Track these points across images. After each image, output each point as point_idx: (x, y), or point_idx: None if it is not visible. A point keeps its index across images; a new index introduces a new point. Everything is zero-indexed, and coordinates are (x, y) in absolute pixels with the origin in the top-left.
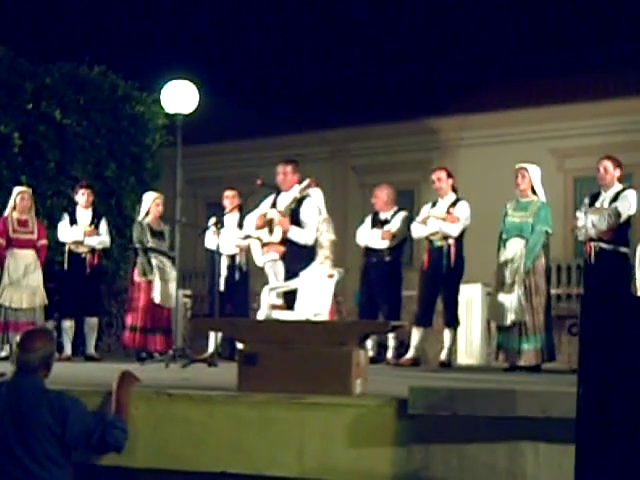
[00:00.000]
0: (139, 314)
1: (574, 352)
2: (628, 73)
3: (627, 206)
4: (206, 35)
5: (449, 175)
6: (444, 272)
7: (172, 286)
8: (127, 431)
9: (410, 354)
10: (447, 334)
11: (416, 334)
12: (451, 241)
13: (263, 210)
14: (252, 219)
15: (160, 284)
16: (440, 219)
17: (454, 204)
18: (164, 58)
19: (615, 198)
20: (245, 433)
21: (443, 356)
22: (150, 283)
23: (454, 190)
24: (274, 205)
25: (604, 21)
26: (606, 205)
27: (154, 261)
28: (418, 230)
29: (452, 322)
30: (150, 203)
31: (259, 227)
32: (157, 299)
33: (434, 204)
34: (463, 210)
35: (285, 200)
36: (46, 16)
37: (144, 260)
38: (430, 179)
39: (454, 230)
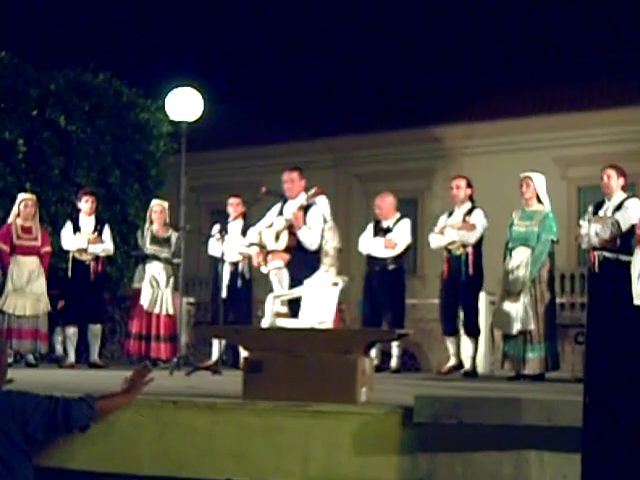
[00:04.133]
0: (136, 321)
1: (578, 361)
2: (633, 82)
3: (629, 215)
4: (210, 43)
5: (469, 184)
6: (463, 281)
7: (167, 292)
8: (94, 409)
9: (451, 362)
10: (469, 344)
11: (449, 343)
12: (469, 249)
13: (269, 219)
14: (257, 229)
15: (150, 290)
16: (456, 228)
17: (470, 212)
18: (169, 65)
19: (619, 207)
20: (250, 441)
21: (467, 365)
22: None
23: (471, 199)
24: (281, 213)
25: (609, 30)
26: (609, 214)
27: (148, 267)
28: (436, 240)
29: (474, 331)
30: (149, 211)
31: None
32: (145, 305)
33: (450, 214)
34: (479, 218)
35: (292, 208)
36: (51, 23)
37: (141, 267)
38: (438, 186)
39: (471, 238)
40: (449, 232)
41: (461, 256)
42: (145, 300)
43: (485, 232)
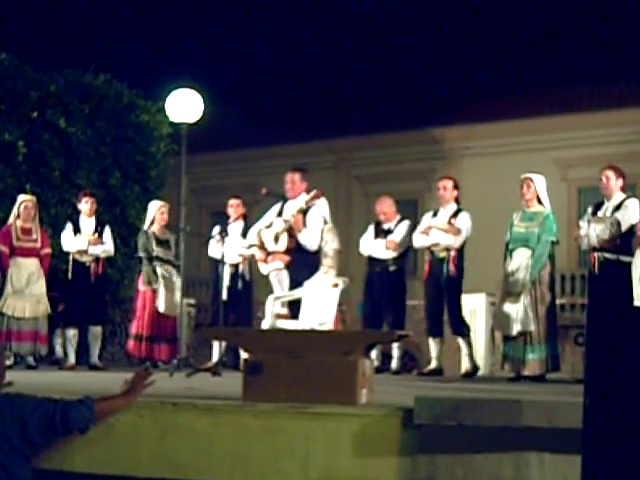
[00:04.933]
0: (144, 323)
1: (578, 362)
2: (633, 83)
3: (628, 215)
4: (211, 44)
5: (455, 186)
6: (444, 282)
7: (177, 295)
8: (93, 411)
9: (432, 365)
10: (461, 343)
11: (433, 345)
12: (453, 252)
13: (269, 220)
14: (256, 229)
15: (165, 293)
16: (442, 230)
17: (455, 215)
18: (169, 67)
19: (618, 207)
20: (250, 443)
21: (466, 365)
22: (155, 292)
23: (457, 201)
24: (280, 214)
25: (609, 31)
26: (609, 214)
27: (159, 270)
28: (419, 240)
29: (461, 330)
30: (155, 212)
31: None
32: (161, 308)
33: (435, 213)
34: (464, 221)
35: (292, 209)
36: (51, 24)
37: (149, 269)
38: (435, 187)
39: (455, 242)
40: (435, 234)
41: (444, 258)
42: (161, 303)
43: (470, 235)
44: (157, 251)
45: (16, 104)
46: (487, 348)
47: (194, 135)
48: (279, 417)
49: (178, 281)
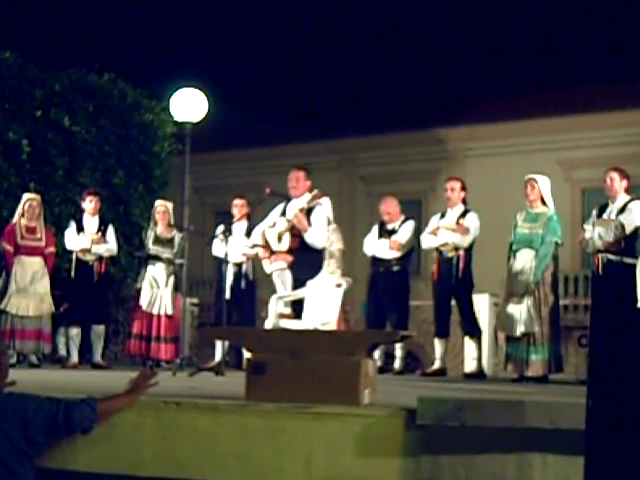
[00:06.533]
0: (141, 322)
1: (581, 363)
2: (637, 84)
3: (632, 218)
4: (215, 43)
5: (463, 187)
6: (454, 283)
7: (165, 292)
8: (96, 411)
9: (436, 365)
10: (471, 344)
11: (438, 346)
12: (461, 252)
13: (272, 219)
14: (261, 229)
15: (150, 290)
16: (450, 230)
17: (463, 215)
18: (173, 66)
19: (622, 209)
20: (253, 443)
21: (473, 367)
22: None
23: (464, 202)
24: (284, 213)
25: (613, 33)
26: (613, 216)
27: (149, 267)
28: (428, 241)
29: (474, 332)
30: (153, 211)
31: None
32: (144, 305)
33: (443, 215)
34: (473, 221)
35: (295, 209)
36: (55, 23)
37: (142, 267)
38: (442, 187)
39: (464, 241)
40: (443, 234)
41: (452, 258)
42: (144, 300)
43: (478, 236)
44: (152, 249)
45: (20, 103)
46: (490, 349)
47: (198, 134)
48: (282, 417)
49: (170, 279)
